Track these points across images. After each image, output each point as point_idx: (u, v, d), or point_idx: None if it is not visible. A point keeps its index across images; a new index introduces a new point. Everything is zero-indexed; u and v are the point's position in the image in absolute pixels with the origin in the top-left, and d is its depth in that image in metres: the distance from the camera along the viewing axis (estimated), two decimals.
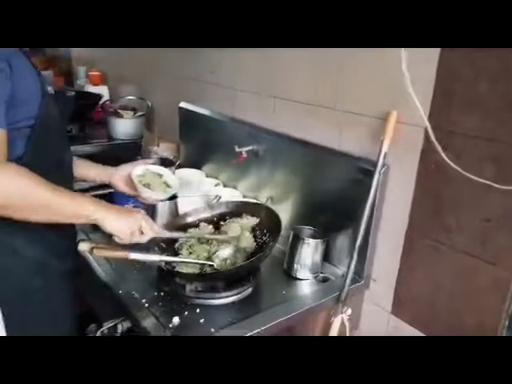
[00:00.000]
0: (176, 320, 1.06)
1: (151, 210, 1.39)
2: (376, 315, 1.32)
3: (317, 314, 1.24)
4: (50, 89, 0.92)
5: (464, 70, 0.96)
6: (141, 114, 2.33)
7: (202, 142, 1.95)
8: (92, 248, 1.04)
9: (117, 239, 0.99)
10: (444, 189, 1.06)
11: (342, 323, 1.23)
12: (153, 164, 1.32)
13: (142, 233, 1.02)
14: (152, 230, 1.04)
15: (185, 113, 1.99)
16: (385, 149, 1.12)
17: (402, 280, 1.23)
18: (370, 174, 1.18)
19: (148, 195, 1.24)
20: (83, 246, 1.05)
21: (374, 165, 1.16)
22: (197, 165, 1.96)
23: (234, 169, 1.76)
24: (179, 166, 1.95)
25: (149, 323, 1.05)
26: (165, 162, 1.94)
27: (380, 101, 1.16)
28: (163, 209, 1.39)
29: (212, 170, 1.91)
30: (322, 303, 1.22)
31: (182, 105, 2.00)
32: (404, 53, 0.98)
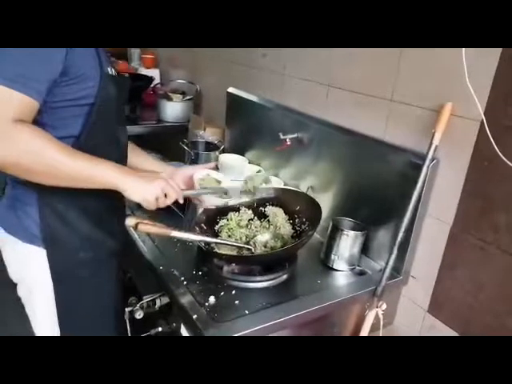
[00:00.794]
0: (212, 299, 1.09)
1: None
2: (412, 312, 1.29)
3: (351, 306, 1.23)
4: (109, 70, 0.95)
5: None
6: (189, 97, 2.37)
7: (247, 128, 1.96)
8: (137, 224, 1.09)
9: (144, 205, 1.00)
10: (495, 187, 1.01)
11: (377, 317, 1.22)
12: (213, 169, 1.33)
13: (165, 196, 1.01)
14: (175, 191, 1.02)
15: (232, 98, 2.01)
16: (436, 142, 1.08)
17: (442, 278, 1.19)
18: (418, 168, 1.14)
19: (206, 199, 1.25)
20: (129, 222, 1.10)
21: (423, 158, 1.12)
22: (240, 151, 1.98)
23: (276, 156, 1.76)
24: (223, 151, 1.98)
25: (186, 300, 1.08)
26: (209, 147, 1.98)
27: (435, 92, 1.12)
28: None
29: (255, 156, 1.92)
30: (356, 296, 1.21)
31: (231, 90, 2.01)
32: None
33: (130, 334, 1.16)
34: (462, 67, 0.96)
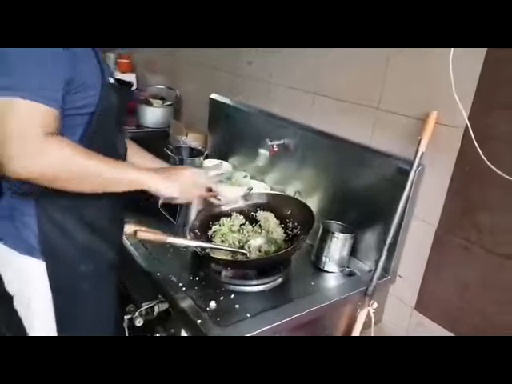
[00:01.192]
0: (213, 304, 1.11)
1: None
2: (399, 310, 1.36)
3: (343, 307, 1.28)
4: (111, 79, 0.95)
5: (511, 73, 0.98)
6: (169, 103, 2.37)
7: (230, 134, 1.99)
8: (135, 231, 1.09)
9: (177, 201, 1.04)
10: (478, 190, 1.09)
11: (368, 316, 1.27)
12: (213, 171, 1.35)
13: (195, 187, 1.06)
14: (204, 181, 1.08)
15: (215, 104, 2.03)
16: (422, 149, 1.15)
17: (429, 277, 1.26)
18: (404, 173, 1.21)
19: (227, 191, 1.28)
20: (127, 229, 1.10)
21: (409, 164, 1.19)
22: (224, 156, 2.01)
23: (262, 162, 1.80)
24: (207, 157, 1.99)
25: (187, 305, 1.10)
26: (193, 152, 1.99)
27: (420, 101, 1.19)
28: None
29: (239, 161, 1.95)
30: (348, 296, 1.26)
31: (214, 96, 2.04)
32: (452, 55, 1.00)
33: None
34: (449, 77, 1.03)
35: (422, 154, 1.16)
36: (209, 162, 1.94)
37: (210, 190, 1.18)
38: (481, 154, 1.01)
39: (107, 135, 0.96)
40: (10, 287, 1.00)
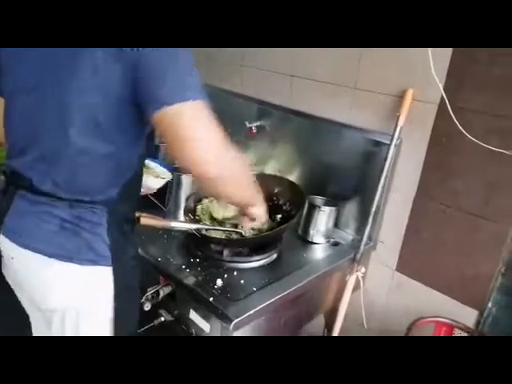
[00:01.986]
0: (219, 282, 1.15)
1: (176, 183, 1.45)
2: (382, 272, 1.49)
3: (334, 273, 1.38)
4: None
5: (479, 54, 1.10)
6: None
7: None
8: (139, 217, 1.10)
9: (258, 224, 1.18)
10: (453, 158, 1.22)
11: (357, 280, 1.38)
12: None
13: None
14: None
15: None
16: (400, 123, 1.25)
17: (408, 240, 1.39)
18: (383, 147, 1.31)
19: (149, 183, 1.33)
20: None
21: (388, 138, 1.29)
22: None
23: (237, 143, 1.83)
24: None
25: (195, 285, 1.13)
26: None
27: (397, 79, 1.28)
28: (185, 181, 1.45)
29: None
30: (338, 264, 1.36)
31: None
32: None
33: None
34: (427, 56, 1.14)
35: (401, 128, 1.26)
36: None
37: None
38: (457, 124, 1.13)
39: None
40: (56, 303, 0.90)
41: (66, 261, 0.85)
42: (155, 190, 1.41)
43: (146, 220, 1.11)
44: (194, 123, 0.77)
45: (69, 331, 0.90)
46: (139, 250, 1.25)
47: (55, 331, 0.91)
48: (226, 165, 0.83)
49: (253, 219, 1.15)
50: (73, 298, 0.88)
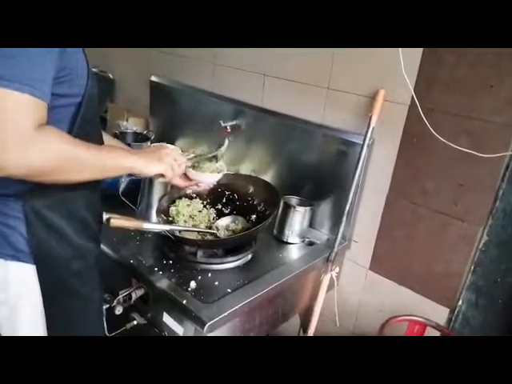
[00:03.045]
0: (193, 284, 1.13)
1: (147, 183, 1.42)
2: (355, 272, 1.50)
3: (309, 273, 1.38)
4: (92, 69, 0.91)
5: (447, 56, 1.12)
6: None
7: (175, 117, 1.97)
8: (108, 218, 1.07)
9: (161, 179, 1.05)
10: (424, 158, 1.24)
11: (331, 279, 1.39)
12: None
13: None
14: (184, 159, 1.10)
15: (157, 87, 1.99)
16: (373, 124, 1.26)
17: (381, 239, 1.41)
18: (356, 147, 1.32)
19: (203, 178, 1.26)
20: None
21: (361, 138, 1.30)
22: (170, 140, 1.98)
23: (211, 143, 1.82)
24: (151, 142, 1.96)
25: (169, 288, 1.11)
26: (138, 137, 1.95)
27: (369, 81, 1.30)
28: (157, 181, 1.42)
29: (187, 144, 1.95)
30: (313, 263, 1.36)
31: (154, 78, 1.99)
32: None
33: (107, 332, 1.14)
34: (398, 58, 1.15)
35: (373, 128, 1.27)
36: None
37: (186, 177, 1.19)
38: (428, 124, 1.15)
39: (91, 126, 0.92)
40: None
41: None
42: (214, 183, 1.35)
43: (117, 221, 1.08)
44: None
45: (5, 328, 0.89)
46: (110, 251, 1.24)
47: None
48: (42, 157, 0.73)
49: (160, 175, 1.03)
50: (2, 294, 0.86)
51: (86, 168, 0.81)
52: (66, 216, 0.88)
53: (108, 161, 0.86)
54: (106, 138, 1.11)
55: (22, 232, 0.84)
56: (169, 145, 1.12)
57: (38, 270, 0.86)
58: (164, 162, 1.00)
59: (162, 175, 1.03)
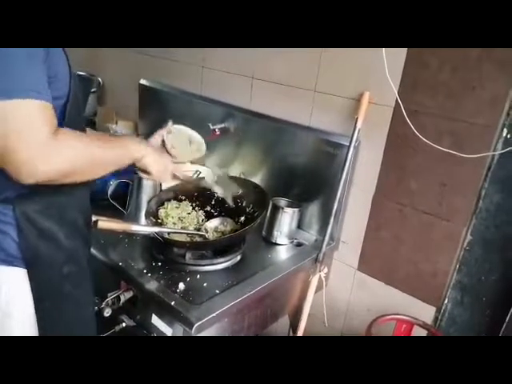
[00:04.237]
0: (182, 285, 1.14)
1: (137, 185, 1.42)
2: (344, 273, 1.52)
3: (298, 274, 1.39)
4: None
5: (430, 59, 1.14)
6: (92, 90, 2.26)
7: (164, 120, 1.96)
8: (95, 221, 1.07)
9: (152, 177, 1.05)
10: (408, 159, 1.26)
11: (320, 280, 1.40)
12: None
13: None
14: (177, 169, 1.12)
15: (145, 90, 1.99)
16: (359, 125, 1.28)
17: (368, 240, 1.43)
18: (343, 148, 1.34)
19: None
20: None
21: (347, 140, 1.32)
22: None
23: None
24: None
25: (157, 290, 1.11)
26: None
27: (354, 83, 1.32)
28: (147, 184, 1.43)
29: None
30: (302, 264, 1.37)
31: (143, 82, 1.99)
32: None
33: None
34: (382, 61, 1.17)
35: (359, 130, 1.29)
36: None
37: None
38: (411, 126, 1.17)
39: (76, 126, 0.93)
40: None
41: None
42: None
43: (105, 223, 1.09)
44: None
45: None
46: (98, 254, 1.24)
47: None
48: (58, 162, 0.75)
49: (148, 172, 1.03)
50: None
51: (101, 166, 0.86)
52: (58, 220, 0.88)
53: (119, 157, 0.90)
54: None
55: (14, 237, 0.84)
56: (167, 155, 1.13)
57: (29, 274, 0.86)
58: (165, 163, 1.05)
59: (148, 174, 1.04)
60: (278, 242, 1.45)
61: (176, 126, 1.19)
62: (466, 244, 1.24)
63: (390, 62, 1.19)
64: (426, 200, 1.26)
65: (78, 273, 0.94)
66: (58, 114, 0.84)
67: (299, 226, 1.52)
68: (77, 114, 0.91)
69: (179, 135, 1.20)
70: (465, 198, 1.19)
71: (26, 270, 0.85)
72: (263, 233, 1.47)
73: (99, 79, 2.28)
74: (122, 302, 1.17)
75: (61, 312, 0.93)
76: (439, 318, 1.34)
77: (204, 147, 1.25)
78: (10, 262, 0.85)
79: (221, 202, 1.45)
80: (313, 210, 1.51)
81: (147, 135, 2.02)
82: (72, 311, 0.96)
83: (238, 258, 1.31)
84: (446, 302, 1.32)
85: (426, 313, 1.34)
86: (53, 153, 0.73)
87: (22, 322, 0.89)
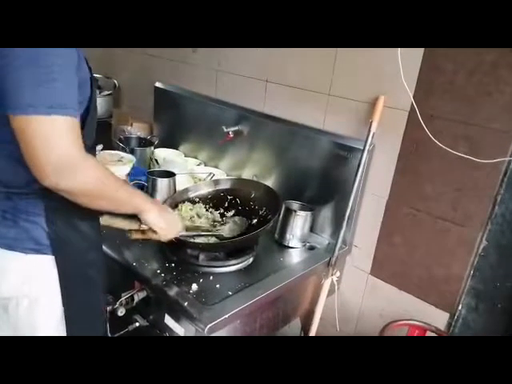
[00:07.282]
0: (195, 286, 1.15)
1: (151, 187, 1.44)
2: (356, 276, 1.51)
3: (310, 277, 1.39)
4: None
5: (445, 64, 1.14)
6: (108, 92, 2.29)
7: (179, 122, 1.99)
8: (130, 230, 1.09)
9: (155, 235, 1.07)
10: (423, 163, 1.25)
11: (332, 284, 1.40)
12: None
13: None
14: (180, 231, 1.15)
15: (161, 93, 2.02)
16: (373, 129, 1.28)
17: (381, 244, 1.42)
18: (357, 152, 1.34)
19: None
20: (103, 221, 1.09)
21: (362, 144, 1.31)
22: (173, 145, 2.01)
23: (214, 148, 1.85)
24: (155, 146, 1.98)
25: (170, 290, 1.13)
26: (142, 142, 1.97)
27: (369, 87, 1.31)
28: (161, 185, 1.44)
29: (190, 149, 1.97)
30: (314, 268, 1.37)
31: (158, 84, 2.02)
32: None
33: (109, 333, 1.15)
34: (397, 65, 1.17)
35: (374, 134, 1.29)
36: (190, 163, 1.90)
37: None
38: (427, 131, 1.17)
39: (93, 131, 0.95)
40: (6, 292, 0.92)
41: (10, 249, 0.87)
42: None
43: (139, 235, 1.10)
44: (34, 140, 0.74)
45: (23, 319, 0.92)
46: (113, 254, 1.26)
47: (12, 318, 0.93)
48: (70, 177, 0.79)
49: (153, 230, 1.07)
50: (22, 286, 0.90)
51: (114, 199, 0.90)
52: (82, 215, 0.93)
53: (129, 197, 0.94)
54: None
55: (44, 226, 0.88)
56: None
57: (56, 260, 0.90)
58: (168, 222, 1.06)
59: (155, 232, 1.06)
60: (290, 245, 1.45)
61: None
62: (480, 250, 1.23)
63: (405, 66, 1.19)
64: (441, 205, 1.25)
65: (99, 260, 1.00)
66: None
67: (312, 229, 1.52)
68: (94, 117, 0.93)
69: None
70: (480, 203, 1.18)
71: (53, 257, 0.89)
72: (276, 236, 1.48)
73: (115, 81, 2.31)
74: (135, 301, 1.19)
75: (87, 297, 0.98)
76: (453, 324, 1.32)
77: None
78: (38, 250, 0.89)
79: (234, 204, 1.47)
80: (326, 213, 1.51)
81: (161, 137, 2.06)
82: (96, 297, 1.01)
83: (251, 260, 1.32)
84: (459, 308, 1.30)
85: (439, 319, 1.33)
86: (79, 172, 0.77)
87: (49, 305, 0.92)
